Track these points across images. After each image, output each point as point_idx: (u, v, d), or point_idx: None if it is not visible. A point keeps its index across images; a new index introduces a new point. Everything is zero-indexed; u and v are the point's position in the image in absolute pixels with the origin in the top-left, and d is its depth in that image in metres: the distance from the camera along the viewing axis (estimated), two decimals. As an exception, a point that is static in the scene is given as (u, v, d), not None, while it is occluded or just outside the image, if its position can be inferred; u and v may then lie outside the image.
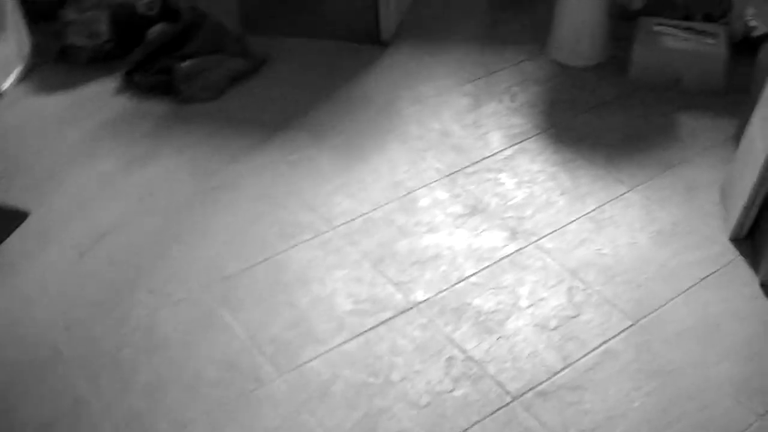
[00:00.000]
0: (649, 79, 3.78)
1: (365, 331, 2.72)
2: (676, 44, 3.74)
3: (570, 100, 3.70)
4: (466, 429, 2.44)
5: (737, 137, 3.35)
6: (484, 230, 3.06)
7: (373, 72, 3.88)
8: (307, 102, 3.68)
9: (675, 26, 3.85)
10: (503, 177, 3.28)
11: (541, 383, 2.56)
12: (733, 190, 3.05)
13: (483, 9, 4.38)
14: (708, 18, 4.07)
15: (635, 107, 3.65)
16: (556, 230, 3.06)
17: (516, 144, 3.44)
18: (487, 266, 2.92)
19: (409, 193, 3.22)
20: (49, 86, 3.87)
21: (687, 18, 4.09)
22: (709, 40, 3.76)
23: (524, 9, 4.36)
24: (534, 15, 4.29)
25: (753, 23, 3.91)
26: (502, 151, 3.40)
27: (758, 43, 3.80)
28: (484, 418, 2.47)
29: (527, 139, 3.46)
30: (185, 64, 3.73)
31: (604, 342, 2.67)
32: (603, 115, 3.60)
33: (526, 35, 4.14)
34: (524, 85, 3.78)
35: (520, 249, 2.99)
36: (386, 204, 3.17)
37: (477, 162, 3.35)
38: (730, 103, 3.65)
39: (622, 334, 2.70)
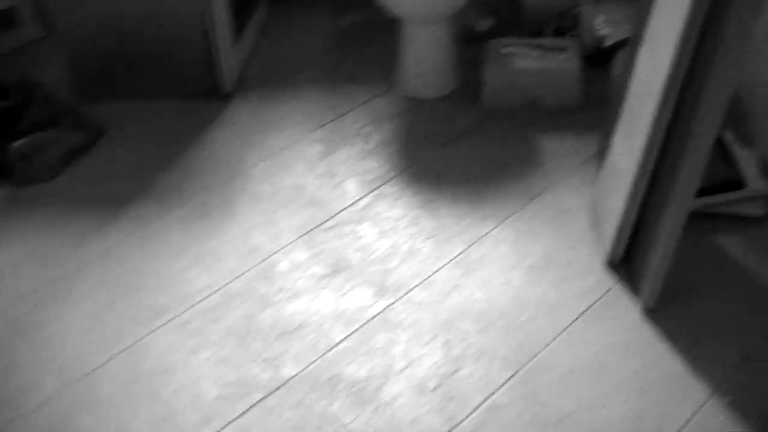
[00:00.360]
0: (503, 103, 3.66)
1: (236, 418, 2.53)
2: (527, 64, 3.61)
3: (425, 135, 3.55)
4: None
5: (601, 154, 3.25)
6: (349, 290, 2.88)
7: (218, 128, 3.68)
8: (152, 170, 3.47)
9: (524, 45, 3.73)
10: (363, 228, 3.11)
11: (427, 451, 2.40)
12: (603, 212, 2.93)
13: (328, 47, 4.21)
14: (558, 32, 3.98)
15: (493, 134, 3.52)
16: (424, 280, 2.90)
17: (373, 190, 3.27)
18: (357, 329, 2.75)
19: (266, 258, 3.03)
20: None
21: (536, 35, 4.00)
22: (561, 56, 3.65)
23: (370, 44, 4.21)
24: (380, 49, 4.14)
25: (603, 32, 3.81)
26: (359, 199, 3.24)
27: (611, 53, 3.71)
28: (370, 502, 2.31)
29: (385, 183, 3.30)
30: (17, 143, 3.49)
31: (488, 396, 2.52)
32: (461, 147, 3.46)
33: (374, 71, 3.99)
34: (376, 125, 3.62)
35: (389, 305, 2.82)
36: (244, 273, 2.98)
37: (334, 215, 3.17)
38: (589, 118, 3.55)
39: (506, 385, 2.55)
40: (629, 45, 3.06)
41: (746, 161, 3.13)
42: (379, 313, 2.79)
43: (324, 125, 3.63)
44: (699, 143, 2.44)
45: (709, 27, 2.38)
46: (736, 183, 3.07)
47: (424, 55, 3.71)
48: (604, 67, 3.71)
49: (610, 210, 2.87)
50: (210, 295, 2.90)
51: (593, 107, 3.61)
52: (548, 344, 2.65)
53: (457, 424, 2.45)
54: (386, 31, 4.18)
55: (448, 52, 3.73)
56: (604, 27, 3.82)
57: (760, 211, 3.08)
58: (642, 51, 2.77)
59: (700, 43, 2.42)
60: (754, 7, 2.23)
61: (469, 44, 4.04)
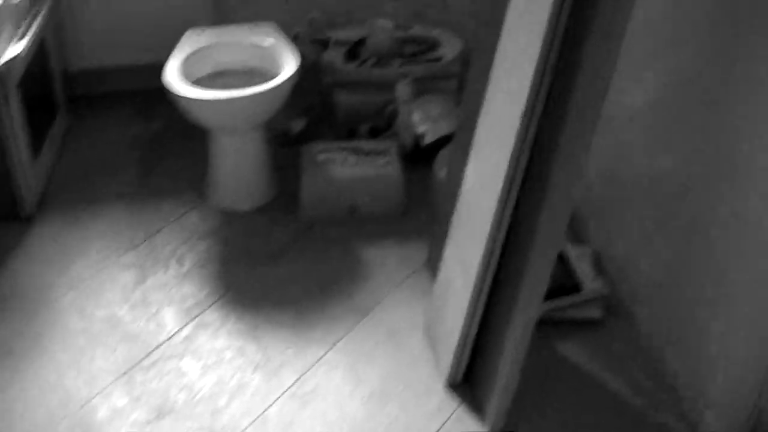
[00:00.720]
0: (323, 213, 3.49)
1: None
2: (346, 172, 3.46)
3: (243, 252, 3.35)
4: None
5: (431, 262, 3.11)
6: (176, 436, 2.65)
7: (19, 255, 3.38)
8: (-54, 306, 3.16)
9: (341, 149, 3.57)
10: (186, 364, 2.87)
11: None
12: (439, 330, 2.79)
13: (134, 157, 3.97)
14: (373, 131, 3.85)
15: (315, 248, 3.35)
16: (256, 418, 2.68)
17: (193, 319, 3.04)
18: (188, 482, 2.52)
19: (82, 406, 2.74)
20: None
21: (351, 134, 3.86)
22: (380, 160, 3.51)
23: (178, 152, 3.98)
24: (189, 157, 3.91)
25: (422, 129, 3.69)
26: (179, 331, 3.00)
27: (432, 150, 3.59)
28: None
29: (204, 310, 3.08)
30: None
31: None
32: (282, 264, 3.27)
33: (184, 182, 3.76)
34: (190, 244, 3.40)
35: (222, 451, 2.60)
36: (58, 425, 2.68)
37: (153, 350, 2.93)
38: (414, 223, 3.44)
39: None
40: (451, 141, 2.95)
41: (580, 261, 3.04)
42: (210, 462, 2.57)
43: (135, 247, 3.39)
44: (542, 257, 2.32)
45: (546, 127, 2.27)
46: (572, 286, 2.97)
47: (236, 165, 3.53)
48: (425, 165, 3.58)
49: (446, 329, 2.72)
50: (20, 456, 2.62)
51: (418, 210, 3.49)
52: (395, 480, 2.48)
53: None
54: (195, 138, 3.95)
55: (261, 161, 3.56)
56: (422, 124, 3.71)
57: (598, 313, 3.00)
58: (471, 157, 2.64)
59: (536, 146, 2.31)
60: (592, 119, 2.13)
61: (284, 148, 3.87)
